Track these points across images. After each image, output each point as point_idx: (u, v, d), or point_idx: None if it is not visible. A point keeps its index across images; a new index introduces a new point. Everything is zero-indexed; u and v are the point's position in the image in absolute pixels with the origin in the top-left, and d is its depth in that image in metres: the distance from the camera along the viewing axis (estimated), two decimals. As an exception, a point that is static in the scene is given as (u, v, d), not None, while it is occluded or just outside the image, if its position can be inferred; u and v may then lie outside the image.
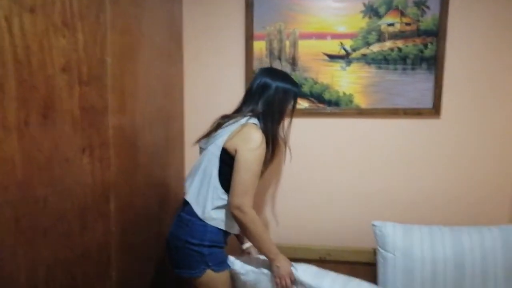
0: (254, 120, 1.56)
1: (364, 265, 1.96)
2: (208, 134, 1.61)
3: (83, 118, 1.21)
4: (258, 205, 2.09)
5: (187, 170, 2.14)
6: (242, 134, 1.49)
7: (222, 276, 1.54)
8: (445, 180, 1.96)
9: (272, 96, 1.57)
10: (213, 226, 1.53)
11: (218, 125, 1.59)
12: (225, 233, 1.58)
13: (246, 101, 1.63)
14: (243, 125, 1.51)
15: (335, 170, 2.02)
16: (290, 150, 1.85)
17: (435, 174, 1.96)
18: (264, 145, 1.49)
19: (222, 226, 1.55)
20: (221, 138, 1.53)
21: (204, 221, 1.52)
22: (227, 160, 1.51)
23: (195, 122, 2.11)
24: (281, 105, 1.60)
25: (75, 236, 1.21)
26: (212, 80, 2.07)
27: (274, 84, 1.58)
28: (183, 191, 2.12)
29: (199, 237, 1.51)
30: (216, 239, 1.54)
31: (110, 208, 1.39)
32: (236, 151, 1.48)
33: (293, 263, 1.57)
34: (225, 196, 1.52)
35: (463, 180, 1.95)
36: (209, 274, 1.51)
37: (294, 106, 1.66)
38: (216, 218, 1.53)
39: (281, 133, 1.69)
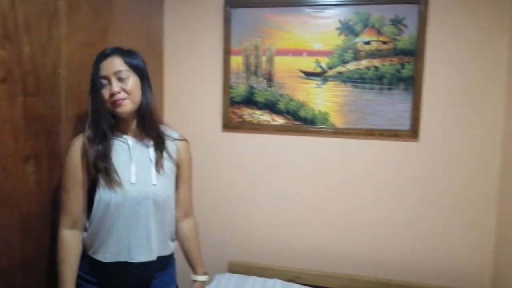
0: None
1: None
2: None
3: (27, 128, 1.23)
4: (225, 221, 2.06)
5: (165, 181, 2.15)
6: None
7: None
8: (418, 208, 1.86)
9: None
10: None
11: None
12: (91, 262, 1.28)
13: None
14: None
15: (308, 189, 1.97)
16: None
17: (409, 200, 1.86)
18: (71, 154, 1.24)
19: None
20: None
21: None
22: None
23: (173, 134, 2.12)
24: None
25: (15, 241, 1.23)
26: (191, 94, 2.08)
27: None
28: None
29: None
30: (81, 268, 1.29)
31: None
32: None
33: None
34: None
35: (439, 211, 1.84)
36: None
37: (92, 87, 1.25)
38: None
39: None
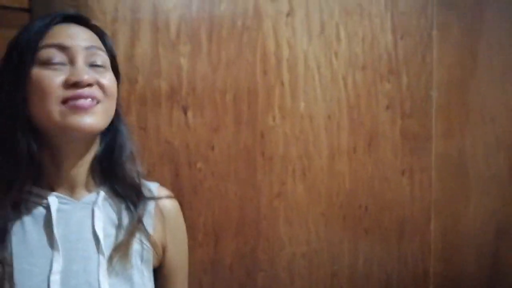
0: None
1: None
2: None
3: (404, 145, 1.44)
4: None
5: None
6: None
7: None
8: None
9: None
10: None
11: None
12: None
13: None
14: None
15: None
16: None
17: None
18: None
19: None
20: None
21: None
22: None
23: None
24: None
25: (392, 241, 1.46)
26: None
27: None
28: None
29: None
30: None
31: (430, 227, 1.54)
32: None
33: None
34: None
35: None
36: None
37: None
38: None
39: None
